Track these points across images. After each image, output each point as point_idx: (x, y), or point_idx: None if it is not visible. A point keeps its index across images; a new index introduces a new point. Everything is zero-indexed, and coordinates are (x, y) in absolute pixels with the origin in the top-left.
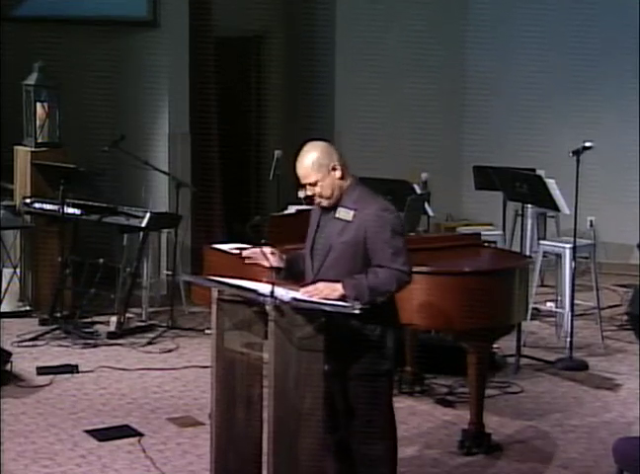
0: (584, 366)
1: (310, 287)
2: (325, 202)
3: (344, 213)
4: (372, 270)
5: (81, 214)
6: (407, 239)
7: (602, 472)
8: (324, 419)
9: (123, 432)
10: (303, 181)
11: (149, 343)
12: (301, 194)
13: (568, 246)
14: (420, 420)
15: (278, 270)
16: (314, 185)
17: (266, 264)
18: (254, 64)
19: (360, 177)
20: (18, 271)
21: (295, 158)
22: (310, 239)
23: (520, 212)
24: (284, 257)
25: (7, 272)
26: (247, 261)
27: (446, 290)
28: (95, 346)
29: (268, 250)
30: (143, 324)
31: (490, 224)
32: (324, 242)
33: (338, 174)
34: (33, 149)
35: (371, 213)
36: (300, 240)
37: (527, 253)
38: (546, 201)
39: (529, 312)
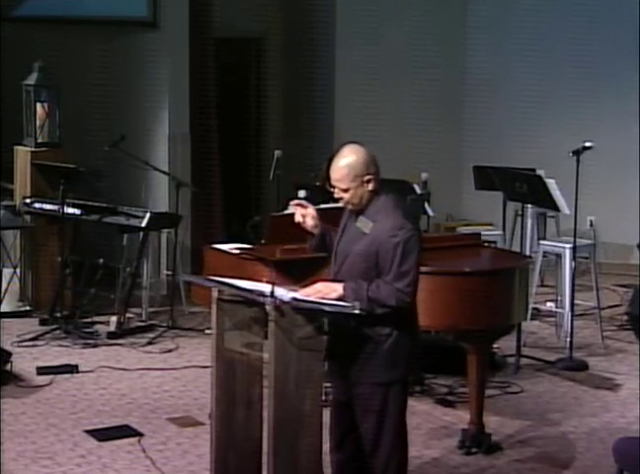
0: (584, 366)
1: (309, 289)
2: (350, 207)
3: (363, 223)
4: (376, 281)
5: (81, 214)
6: None
7: (602, 472)
8: (339, 422)
9: (123, 432)
10: (334, 184)
11: (149, 343)
12: (302, 194)
13: (568, 246)
14: (420, 420)
15: (310, 235)
16: (345, 191)
17: (301, 222)
18: (254, 64)
19: None
20: (18, 271)
21: (331, 158)
22: (336, 241)
23: (520, 212)
24: (320, 227)
25: (7, 272)
26: (292, 204)
27: (446, 290)
28: (95, 346)
29: (311, 212)
30: (143, 324)
31: (490, 224)
32: (343, 247)
33: (371, 187)
34: (33, 149)
35: (387, 230)
36: (300, 240)
37: (527, 253)
38: (546, 201)
39: (529, 312)
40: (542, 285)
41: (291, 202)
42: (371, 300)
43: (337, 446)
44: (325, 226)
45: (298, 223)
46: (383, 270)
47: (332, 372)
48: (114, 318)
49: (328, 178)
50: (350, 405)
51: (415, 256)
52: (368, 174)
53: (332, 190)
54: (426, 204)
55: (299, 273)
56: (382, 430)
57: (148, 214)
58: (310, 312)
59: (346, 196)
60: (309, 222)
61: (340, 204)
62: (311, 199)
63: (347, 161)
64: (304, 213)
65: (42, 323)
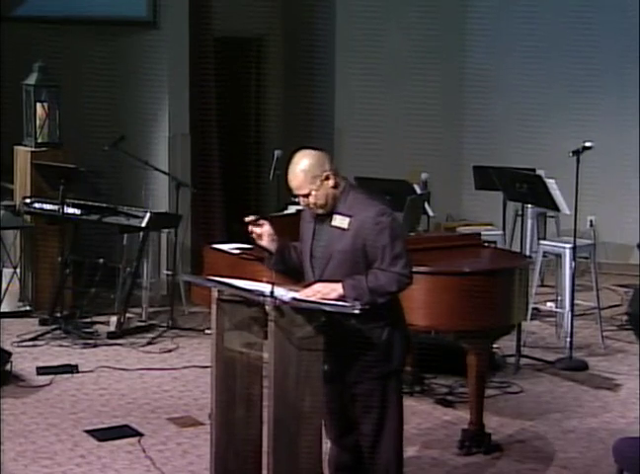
0: (584, 366)
1: (308, 290)
2: (320, 210)
3: (340, 221)
4: (373, 272)
5: (81, 214)
6: (407, 239)
7: (602, 472)
8: (334, 422)
9: (123, 432)
10: (296, 192)
11: (149, 343)
12: None
13: (568, 246)
14: (420, 420)
15: (267, 252)
16: (307, 196)
17: (257, 239)
18: (254, 64)
19: (361, 177)
20: (18, 271)
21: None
22: (308, 247)
23: (520, 212)
24: (277, 242)
25: (7, 272)
26: (248, 220)
27: (446, 290)
28: (95, 346)
29: (267, 229)
30: (143, 324)
31: (490, 224)
32: (323, 251)
33: (331, 183)
34: (33, 149)
35: (369, 219)
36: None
37: (527, 253)
38: (546, 201)
39: (529, 312)
40: (542, 285)
41: (247, 219)
42: (373, 291)
43: (335, 447)
44: (282, 242)
45: (255, 238)
46: (374, 260)
47: (326, 375)
48: (114, 318)
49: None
50: (345, 406)
51: (402, 237)
52: (325, 171)
53: (298, 200)
54: (426, 204)
55: (300, 273)
56: (383, 426)
57: (148, 214)
58: (310, 312)
59: (311, 200)
60: (265, 239)
61: (300, 207)
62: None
63: (300, 166)
64: (260, 232)
65: (42, 323)
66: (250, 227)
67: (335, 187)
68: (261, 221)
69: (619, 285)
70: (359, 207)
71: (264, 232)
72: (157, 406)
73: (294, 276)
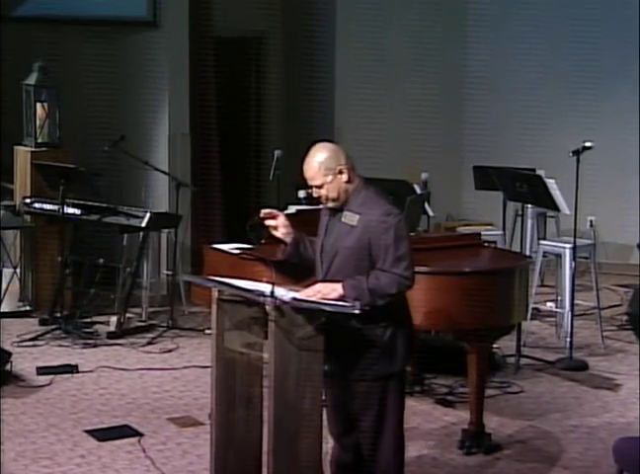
0: (584, 366)
1: (309, 290)
2: (331, 204)
3: (349, 217)
4: (374, 273)
5: (81, 214)
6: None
7: (602, 472)
8: (338, 417)
9: (123, 432)
10: (310, 183)
11: (149, 343)
12: (302, 194)
13: (568, 246)
14: (420, 420)
15: (283, 244)
16: (320, 187)
17: (273, 231)
18: (254, 64)
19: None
20: (18, 271)
21: (303, 158)
22: (319, 241)
23: (520, 212)
24: (292, 234)
25: (7, 272)
26: (263, 214)
27: (446, 290)
28: (95, 346)
29: (282, 221)
30: (143, 324)
31: (490, 224)
32: (331, 246)
33: (344, 177)
34: (33, 149)
35: (375, 218)
36: None
37: (527, 253)
38: (546, 201)
39: (529, 312)
40: (542, 285)
41: (262, 212)
42: (373, 292)
43: (337, 446)
44: (298, 234)
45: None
46: (377, 259)
47: (328, 372)
48: (114, 318)
49: (305, 180)
50: (346, 405)
51: (407, 239)
52: (339, 165)
53: (311, 191)
54: (426, 204)
55: (300, 273)
56: (383, 426)
57: (148, 214)
58: (310, 312)
59: (323, 192)
60: (281, 230)
61: (314, 207)
62: (310, 200)
63: (316, 158)
64: (276, 224)
65: (42, 323)
66: (265, 219)
67: (348, 181)
68: (275, 212)
69: (619, 285)
70: (368, 206)
71: (279, 224)
72: (157, 406)
73: (307, 270)
